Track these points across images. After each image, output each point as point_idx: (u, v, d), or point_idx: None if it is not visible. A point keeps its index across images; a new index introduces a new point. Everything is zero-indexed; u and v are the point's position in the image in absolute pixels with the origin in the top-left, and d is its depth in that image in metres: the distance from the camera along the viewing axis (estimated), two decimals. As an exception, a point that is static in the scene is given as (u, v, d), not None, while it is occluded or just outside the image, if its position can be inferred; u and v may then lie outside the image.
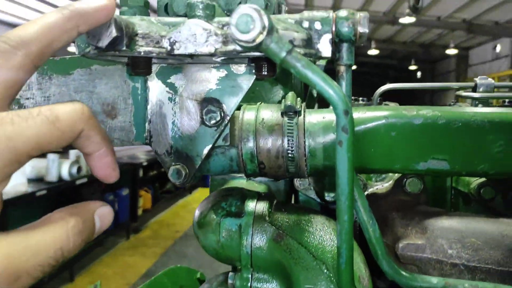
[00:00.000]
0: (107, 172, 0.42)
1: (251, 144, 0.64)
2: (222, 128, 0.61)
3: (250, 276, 0.62)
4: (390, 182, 0.74)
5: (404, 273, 0.51)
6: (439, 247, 0.59)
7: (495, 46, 13.59)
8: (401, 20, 10.56)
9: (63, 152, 4.64)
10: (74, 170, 4.53)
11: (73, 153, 4.64)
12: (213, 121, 0.61)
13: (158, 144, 0.63)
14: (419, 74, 20.11)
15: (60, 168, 4.39)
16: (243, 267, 0.62)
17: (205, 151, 0.62)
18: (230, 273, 0.63)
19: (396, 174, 0.74)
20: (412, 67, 18.53)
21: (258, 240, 0.61)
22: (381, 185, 0.75)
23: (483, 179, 0.73)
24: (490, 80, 0.85)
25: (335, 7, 10.65)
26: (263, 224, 0.62)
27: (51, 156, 4.35)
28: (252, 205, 0.64)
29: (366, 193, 0.74)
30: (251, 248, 0.61)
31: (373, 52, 14.47)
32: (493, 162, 0.60)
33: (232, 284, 0.62)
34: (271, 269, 0.61)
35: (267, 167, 0.66)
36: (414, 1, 8.32)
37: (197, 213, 0.69)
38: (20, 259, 0.32)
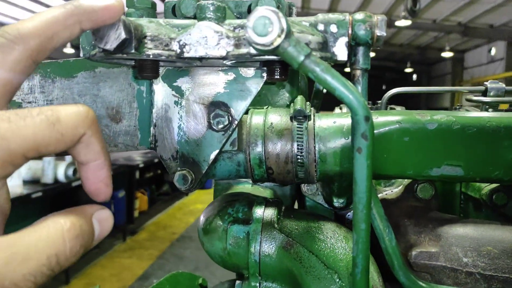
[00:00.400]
0: (99, 186, 0.38)
1: (259, 149, 0.62)
2: (230, 132, 0.59)
3: (258, 284, 0.60)
4: (400, 187, 0.73)
5: (421, 283, 0.49)
6: (453, 255, 0.58)
7: (490, 49, 13.67)
8: (397, 23, 10.60)
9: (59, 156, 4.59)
10: (70, 172, 4.49)
11: (67, 156, 4.59)
12: (220, 126, 0.59)
13: (164, 148, 0.61)
14: (415, 76, 20.21)
15: (56, 170, 4.34)
16: (251, 276, 0.60)
17: (212, 156, 0.60)
18: (237, 282, 0.62)
19: (406, 179, 0.72)
20: (408, 70, 18.61)
21: (267, 247, 0.59)
22: (391, 191, 0.74)
23: (495, 185, 0.72)
24: (500, 84, 0.84)
25: (332, 10, 10.67)
26: (272, 231, 0.60)
27: (46, 158, 4.31)
28: (260, 212, 0.62)
29: (375, 199, 0.73)
30: (260, 256, 0.59)
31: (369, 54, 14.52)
32: (508, 168, 0.59)
33: (240, 292, 0.61)
34: (280, 277, 0.59)
35: (275, 173, 0.64)
36: (411, 4, 8.35)
37: (202, 219, 0.67)
38: (6, 268, 0.28)
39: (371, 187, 0.43)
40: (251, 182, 0.83)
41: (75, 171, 4.53)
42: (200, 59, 0.51)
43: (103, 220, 0.37)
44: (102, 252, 5.35)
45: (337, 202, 0.71)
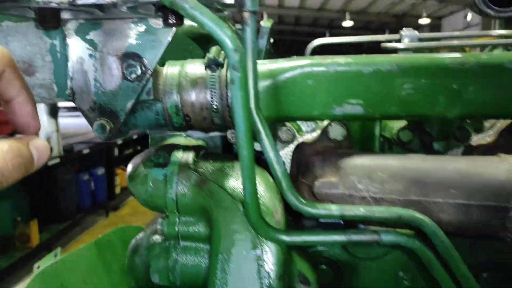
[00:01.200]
0: (27, 120, 0.43)
1: (175, 97, 0.66)
2: (145, 82, 0.63)
3: (177, 220, 0.65)
4: (318, 131, 0.78)
5: (306, 202, 0.55)
6: (350, 183, 0.64)
7: (466, 15, 13.73)
8: (374, -10, 10.51)
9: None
10: (45, 151, 4.45)
11: (42, 134, 4.55)
12: (134, 76, 0.62)
13: (82, 100, 0.64)
14: (394, 44, 20.20)
15: (29, 150, 4.30)
16: (169, 213, 0.65)
17: (129, 105, 0.63)
18: (159, 219, 0.67)
19: (324, 123, 0.78)
20: (387, 38, 18.57)
21: (183, 186, 0.64)
22: (311, 135, 0.79)
23: (404, 124, 0.77)
24: (414, 32, 0.89)
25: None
26: (188, 172, 0.65)
27: (18, 137, 4.25)
28: (178, 155, 0.67)
29: (296, 142, 0.78)
30: (176, 194, 0.64)
31: (347, 23, 14.45)
32: (402, 104, 0.64)
33: (161, 229, 0.66)
34: (195, 212, 0.65)
35: (192, 120, 0.68)
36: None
37: (129, 167, 0.71)
38: None
39: (249, 115, 0.47)
40: (184, 135, 0.87)
41: (50, 150, 4.50)
42: (100, 8, 0.54)
43: (40, 147, 0.42)
44: (84, 228, 5.39)
45: (258, 146, 0.76)
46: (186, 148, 0.69)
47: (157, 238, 0.70)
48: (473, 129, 0.78)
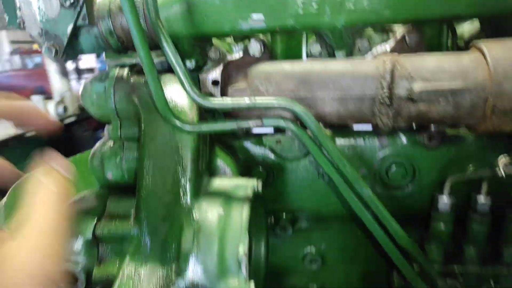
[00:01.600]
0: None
1: (107, 22, 0.78)
2: (79, 9, 0.75)
3: (118, 123, 0.80)
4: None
5: (203, 96, 0.68)
6: (255, 87, 0.76)
7: None
8: None
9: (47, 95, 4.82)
10: (61, 109, 4.71)
11: (57, 94, 4.79)
12: (68, 3, 0.75)
13: (31, 28, 0.78)
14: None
15: (45, 108, 4.56)
16: (112, 119, 0.80)
17: (68, 30, 0.76)
18: (106, 125, 0.82)
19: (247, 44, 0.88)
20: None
21: (118, 95, 0.78)
22: (238, 54, 0.90)
23: (313, 38, 0.87)
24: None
25: None
26: (122, 83, 0.78)
27: (35, 98, 4.51)
28: (115, 71, 0.80)
29: (225, 61, 0.89)
30: (114, 103, 0.78)
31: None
32: (296, 17, 0.75)
33: (108, 133, 0.81)
34: (131, 117, 0.79)
35: (126, 41, 0.81)
36: None
37: (80, 87, 0.85)
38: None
39: (139, 22, 0.59)
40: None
41: (65, 109, 4.76)
42: None
43: (60, 163, 0.45)
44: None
45: (189, 63, 0.88)
46: (123, 65, 0.83)
47: (109, 142, 0.85)
48: (380, 40, 0.88)
